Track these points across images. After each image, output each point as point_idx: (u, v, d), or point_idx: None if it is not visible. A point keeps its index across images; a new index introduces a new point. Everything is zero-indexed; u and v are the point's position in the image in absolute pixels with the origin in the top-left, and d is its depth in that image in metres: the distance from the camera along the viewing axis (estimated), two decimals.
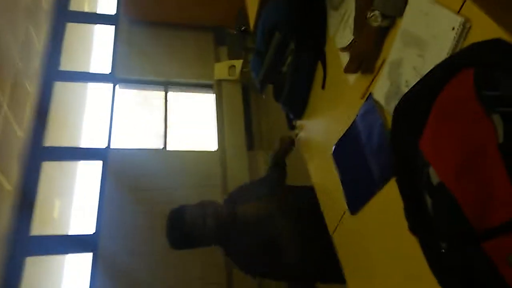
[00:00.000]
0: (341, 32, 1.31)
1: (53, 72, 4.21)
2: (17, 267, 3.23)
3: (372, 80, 1.09)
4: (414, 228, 0.74)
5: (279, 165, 1.94)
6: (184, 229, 1.62)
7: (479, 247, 0.60)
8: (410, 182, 0.76)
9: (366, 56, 1.11)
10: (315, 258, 1.52)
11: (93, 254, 3.55)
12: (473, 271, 0.61)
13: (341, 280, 1.24)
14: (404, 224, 0.76)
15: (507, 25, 0.66)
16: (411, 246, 0.78)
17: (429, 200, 0.69)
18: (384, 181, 1.01)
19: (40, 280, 3.96)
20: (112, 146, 4.13)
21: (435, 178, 0.67)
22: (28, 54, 3.47)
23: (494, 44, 0.60)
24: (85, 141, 4.99)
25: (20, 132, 3.31)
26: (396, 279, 0.97)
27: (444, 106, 0.68)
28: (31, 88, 3.60)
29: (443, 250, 0.65)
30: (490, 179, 0.59)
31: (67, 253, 4.02)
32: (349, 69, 1.18)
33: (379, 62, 1.07)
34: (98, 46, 5.42)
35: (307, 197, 1.56)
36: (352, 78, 1.22)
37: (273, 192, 1.76)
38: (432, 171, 0.68)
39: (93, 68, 5.15)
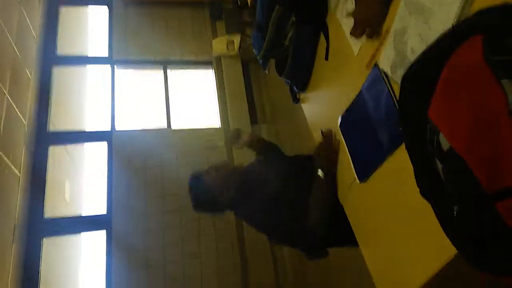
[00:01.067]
0: (342, 5, 1.30)
1: (50, 57, 4.19)
2: (35, 249, 3.34)
3: (377, 49, 1.10)
4: (425, 192, 0.77)
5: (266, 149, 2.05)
6: (202, 186, 1.72)
7: (493, 208, 0.62)
8: (419, 149, 0.78)
9: (371, 21, 1.10)
10: (333, 225, 1.53)
11: (107, 232, 3.66)
12: (486, 232, 0.64)
13: (355, 243, 1.28)
14: (411, 189, 0.79)
15: None
16: (419, 209, 0.81)
17: (439, 165, 0.71)
18: (392, 149, 1.03)
19: (58, 259, 4.08)
20: (116, 128, 4.16)
21: (445, 144, 0.69)
22: (24, 41, 3.45)
23: (501, 9, 0.61)
24: (89, 124, 5.01)
25: (24, 119, 3.34)
26: (404, 241, 1.02)
27: (453, 73, 0.69)
28: (31, 74, 3.59)
29: (456, 213, 0.68)
30: (501, 143, 0.61)
31: (81, 231, 4.14)
32: (354, 33, 1.18)
33: (384, 29, 1.07)
34: (93, 29, 5.35)
35: None
36: (356, 48, 1.23)
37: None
38: (441, 137, 0.70)
39: (91, 51, 5.11)
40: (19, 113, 3.23)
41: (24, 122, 3.36)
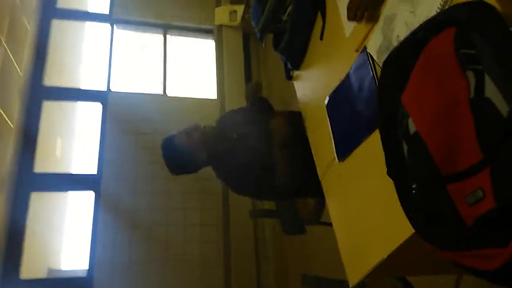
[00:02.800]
0: None
1: (50, 10, 4.14)
2: (23, 202, 3.39)
3: (367, 34, 1.13)
4: (391, 172, 0.82)
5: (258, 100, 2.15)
6: (174, 150, 1.82)
7: (444, 189, 0.68)
8: (391, 131, 0.83)
9: (369, 3, 1.12)
10: (304, 180, 1.64)
11: (95, 193, 3.71)
12: (436, 209, 0.70)
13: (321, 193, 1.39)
14: (382, 170, 0.84)
15: None
16: (386, 189, 0.87)
17: (405, 147, 0.77)
18: (370, 131, 1.08)
19: (45, 215, 4.14)
20: (112, 89, 4.15)
21: (412, 128, 0.74)
22: None
23: (476, 5, 0.64)
24: (84, 82, 5.00)
25: (20, 70, 3.33)
26: (371, 219, 1.08)
27: (426, 62, 0.73)
28: (29, 25, 3.56)
29: (414, 191, 0.74)
30: (460, 130, 0.66)
31: (70, 190, 4.18)
32: (348, 16, 1.21)
33: (378, 14, 1.09)
34: None
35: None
36: (349, 30, 1.25)
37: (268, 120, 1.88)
38: (410, 121, 0.75)
39: (91, 7, 5.04)
40: (15, 64, 3.22)
41: (20, 74, 3.36)
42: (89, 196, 3.77)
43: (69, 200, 4.86)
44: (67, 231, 4.57)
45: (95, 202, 3.68)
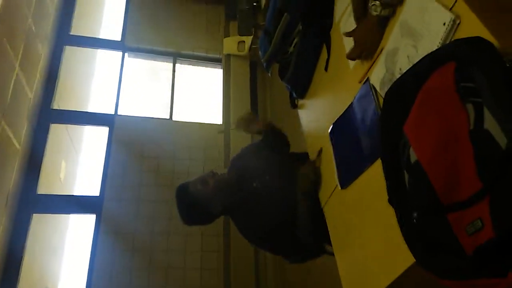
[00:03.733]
0: (346, 19, 1.37)
1: (64, 36, 4.27)
2: (24, 223, 3.39)
3: (371, 66, 1.16)
4: (392, 200, 0.83)
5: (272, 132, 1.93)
6: (188, 200, 1.66)
7: (445, 218, 0.69)
8: (393, 160, 0.85)
9: (368, 45, 1.17)
10: (323, 230, 1.46)
11: (96, 216, 3.70)
12: (437, 238, 0.71)
13: None
14: (383, 198, 0.86)
15: (490, 24, 0.73)
16: (388, 217, 0.88)
17: (406, 176, 0.78)
18: (373, 159, 1.10)
19: (45, 237, 4.12)
20: (119, 113, 4.22)
21: (413, 157, 0.76)
22: (40, 15, 3.52)
23: (474, 41, 0.68)
24: (93, 107, 5.09)
25: (30, 93, 3.40)
26: (372, 246, 1.08)
27: (428, 94, 0.76)
28: (43, 50, 3.67)
29: (414, 220, 0.75)
30: (460, 161, 0.68)
31: (71, 213, 4.18)
32: (351, 55, 1.25)
33: (379, 49, 1.14)
34: (109, 13, 5.45)
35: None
36: (352, 63, 1.29)
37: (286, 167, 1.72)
38: (411, 151, 0.77)
39: (104, 35, 5.20)
40: (26, 87, 3.30)
41: (30, 96, 3.43)
42: (90, 218, 3.76)
43: (71, 221, 4.84)
44: (67, 252, 4.54)
45: (95, 225, 3.67)
